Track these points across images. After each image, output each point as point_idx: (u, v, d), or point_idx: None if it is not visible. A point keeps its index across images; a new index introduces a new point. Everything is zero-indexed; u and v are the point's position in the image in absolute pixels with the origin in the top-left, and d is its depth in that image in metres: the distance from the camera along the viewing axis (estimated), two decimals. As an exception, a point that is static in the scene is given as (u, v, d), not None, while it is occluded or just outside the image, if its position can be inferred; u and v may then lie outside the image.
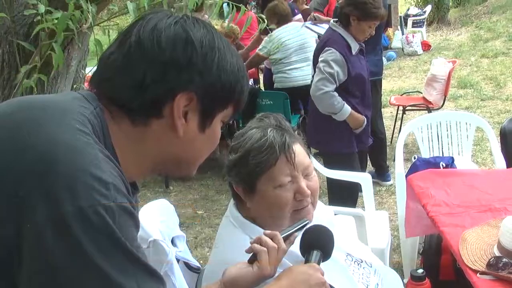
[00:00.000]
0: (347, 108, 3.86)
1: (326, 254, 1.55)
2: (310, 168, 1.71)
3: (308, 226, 1.61)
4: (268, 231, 1.51)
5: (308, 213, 1.70)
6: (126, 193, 1.04)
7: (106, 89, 1.12)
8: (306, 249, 1.56)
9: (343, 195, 3.99)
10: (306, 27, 5.80)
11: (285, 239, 1.51)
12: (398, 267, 3.61)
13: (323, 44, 3.92)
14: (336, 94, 3.81)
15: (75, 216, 0.93)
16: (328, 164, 4.01)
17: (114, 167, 1.04)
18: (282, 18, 5.73)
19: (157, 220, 2.16)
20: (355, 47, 3.85)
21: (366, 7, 3.77)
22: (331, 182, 4.10)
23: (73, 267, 0.93)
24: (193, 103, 1.11)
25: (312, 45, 5.46)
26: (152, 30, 1.10)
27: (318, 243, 1.56)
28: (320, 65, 3.81)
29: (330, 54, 3.78)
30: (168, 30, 1.10)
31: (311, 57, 4.33)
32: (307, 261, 1.52)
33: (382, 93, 5.83)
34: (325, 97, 3.81)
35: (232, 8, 2.62)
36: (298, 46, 5.63)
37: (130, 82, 1.08)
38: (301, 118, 5.79)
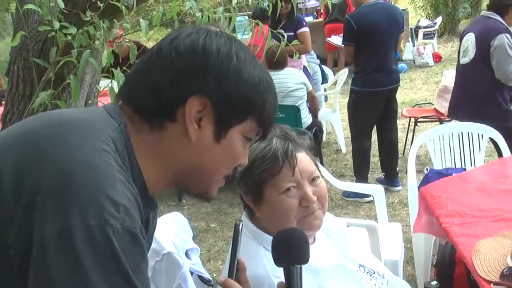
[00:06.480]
0: None
1: (303, 261, 1.38)
2: (316, 174, 1.72)
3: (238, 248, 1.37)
4: (220, 281, 1.33)
5: (317, 218, 1.70)
6: (139, 218, 1.04)
7: (127, 95, 1.17)
8: (284, 266, 1.38)
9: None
10: None
11: (233, 272, 1.33)
12: (411, 279, 3.60)
13: (495, 31, 4.61)
14: None
15: (81, 232, 0.93)
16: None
17: (130, 189, 1.05)
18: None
19: (171, 233, 2.18)
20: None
21: None
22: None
23: (69, 283, 0.93)
24: (207, 110, 1.12)
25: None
26: (172, 39, 1.15)
27: (291, 256, 1.39)
28: (506, 49, 4.55)
29: (504, 39, 4.56)
30: (187, 38, 1.14)
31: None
32: (289, 283, 1.35)
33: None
34: None
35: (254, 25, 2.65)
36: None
37: (147, 85, 1.13)
38: (313, 131, 5.78)
